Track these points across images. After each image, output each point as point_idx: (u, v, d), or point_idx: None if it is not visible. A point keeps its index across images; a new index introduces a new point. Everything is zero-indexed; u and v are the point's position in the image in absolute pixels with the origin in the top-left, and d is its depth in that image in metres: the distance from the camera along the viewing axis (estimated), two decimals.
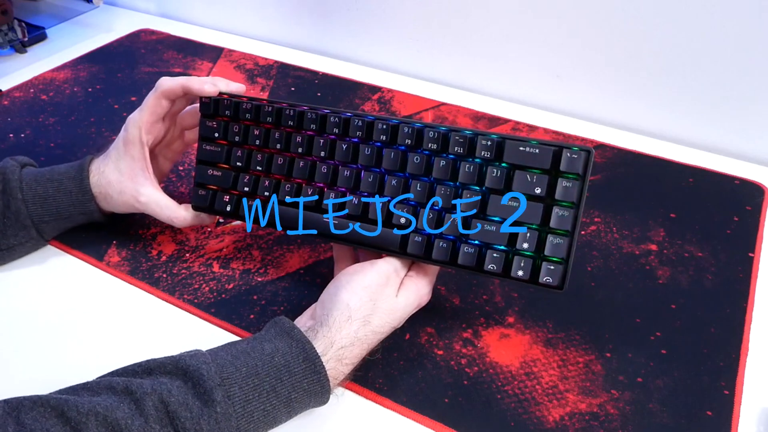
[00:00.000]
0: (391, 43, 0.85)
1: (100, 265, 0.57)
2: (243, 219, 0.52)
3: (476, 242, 0.46)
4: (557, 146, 0.44)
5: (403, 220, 0.47)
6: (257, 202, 0.51)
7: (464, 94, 0.80)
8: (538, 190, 0.44)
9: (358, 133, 0.49)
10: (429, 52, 0.83)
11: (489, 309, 0.52)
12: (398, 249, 0.47)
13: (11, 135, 0.74)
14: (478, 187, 0.46)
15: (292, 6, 0.90)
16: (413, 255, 0.47)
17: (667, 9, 0.66)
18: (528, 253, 0.44)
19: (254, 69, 0.85)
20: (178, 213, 0.54)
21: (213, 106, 0.53)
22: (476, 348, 0.49)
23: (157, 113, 0.54)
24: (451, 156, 0.46)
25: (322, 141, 0.50)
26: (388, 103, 0.78)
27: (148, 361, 0.41)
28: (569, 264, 0.44)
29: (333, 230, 0.49)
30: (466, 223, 0.46)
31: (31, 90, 0.82)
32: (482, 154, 0.46)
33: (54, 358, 0.49)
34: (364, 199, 0.48)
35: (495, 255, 0.45)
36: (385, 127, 0.48)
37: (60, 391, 0.39)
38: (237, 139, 0.53)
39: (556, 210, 0.44)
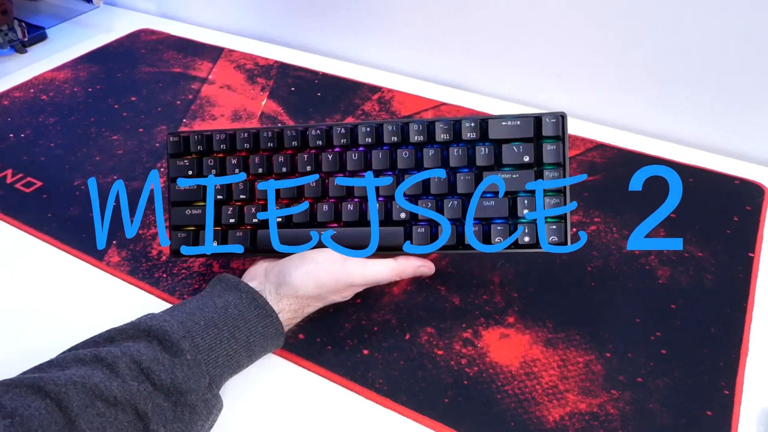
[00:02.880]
0: (391, 43, 0.85)
1: (100, 265, 0.57)
2: (232, 252, 0.50)
3: (478, 222, 0.47)
4: (534, 116, 0.47)
5: (403, 215, 0.48)
6: (245, 232, 0.50)
7: (464, 94, 0.80)
8: (526, 158, 0.47)
9: (342, 140, 0.49)
10: (429, 52, 0.83)
11: (489, 309, 0.52)
12: (403, 243, 0.48)
13: (11, 135, 0.74)
14: (469, 169, 0.48)
15: (292, 6, 0.90)
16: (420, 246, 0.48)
17: (667, 9, 0.66)
18: (530, 219, 0.46)
19: (254, 69, 0.85)
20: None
21: (182, 144, 0.52)
22: (476, 348, 0.49)
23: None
24: (437, 145, 0.48)
25: (306, 156, 0.50)
26: (388, 103, 0.78)
27: (108, 330, 0.42)
28: (567, 222, 0.46)
29: (337, 238, 0.48)
30: (466, 204, 0.47)
31: (31, 90, 0.82)
32: (468, 136, 0.47)
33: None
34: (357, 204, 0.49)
35: (499, 228, 0.47)
36: (369, 129, 0.49)
37: (26, 372, 0.39)
38: (213, 172, 0.51)
39: (546, 172, 0.46)
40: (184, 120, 0.76)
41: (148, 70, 0.86)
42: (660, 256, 0.57)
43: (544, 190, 0.46)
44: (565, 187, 0.46)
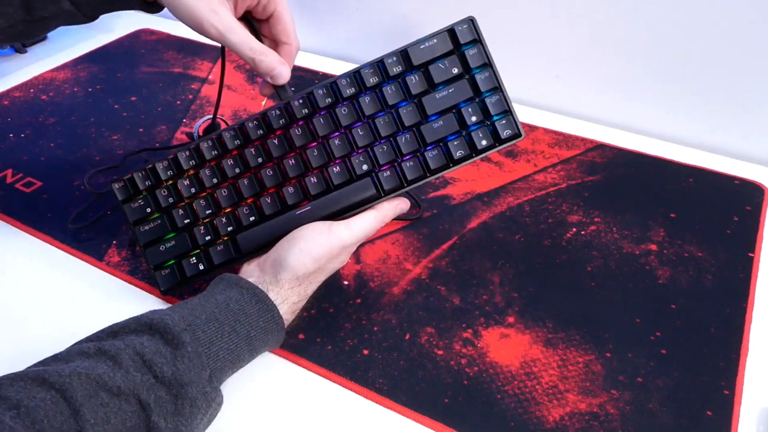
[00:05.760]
0: (391, 43, 0.85)
1: (100, 265, 0.57)
2: (219, 267, 0.50)
3: (434, 145, 0.49)
4: (446, 29, 0.49)
5: (365, 167, 0.49)
6: (226, 244, 0.50)
7: None
8: (455, 70, 0.49)
9: (281, 121, 0.50)
10: None
11: (489, 309, 0.52)
12: (376, 192, 0.49)
13: (11, 135, 0.74)
14: (407, 101, 0.49)
15: (292, 6, 0.90)
16: (392, 189, 0.49)
17: (667, 9, 0.66)
18: (480, 123, 0.49)
19: None
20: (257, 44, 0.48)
21: (130, 186, 0.52)
22: (476, 348, 0.49)
23: None
24: (369, 91, 0.50)
25: (253, 150, 0.50)
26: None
27: (111, 325, 0.42)
28: (513, 111, 0.49)
29: (312, 218, 0.49)
30: (418, 134, 0.49)
31: (31, 90, 0.82)
32: (395, 71, 0.49)
33: None
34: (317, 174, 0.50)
35: (456, 143, 0.49)
36: (302, 101, 0.50)
37: (29, 367, 0.39)
38: (171, 200, 0.51)
39: (477, 76, 0.49)
40: (184, 120, 0.76)
41: (148, 70, 0.86)
42: (660, 256, 0.57)
43: (482, 92, 0.49)
44: (498, 83, 0.49)
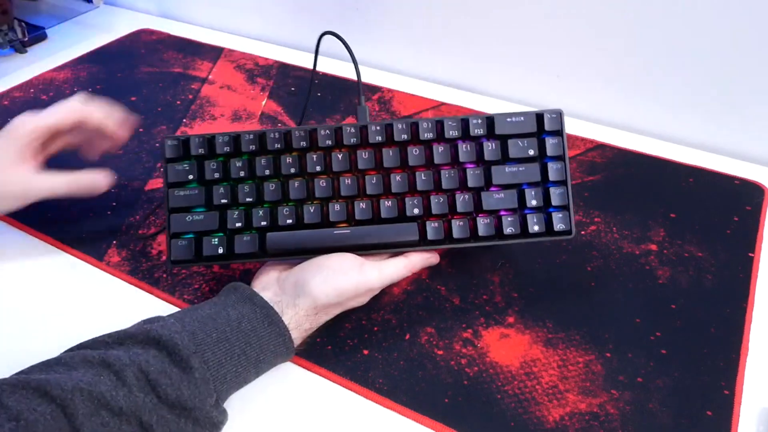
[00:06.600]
0: (391, 43, 0.85)
1: (100, 265, 0.57)
2: (239, 257, 0.49)
3: (489, 214, 0.49)
4: (536, 113, 0.50)
5: (416, 211, 0.49)
6: (253, 236, 0.49)
7: (464, 94, 0.80)
8: (531, 152, 0.50)
9: (352, 140, 0.50)
10: (429, 52, 0.83)
11: (489, 309, 0.52)
12: (418, 239, 0.49)
13: None
14: (476, 164, 0.50)
15: (293, 6, 0.90)
16: (435, 241, 0.49)
17: (667, 9, 0.66)
18: (537, 208, 0.49)
19: (254, 69, 0.85)
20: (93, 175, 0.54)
21: (182, 147, 0.50)
22: (476, 348, 0.49)
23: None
24: (446, 142, 0.50)
25: (315, 157, 0.49)
26: (388, 103, 0.78)
27: (117, 331, 0.42)
28: (571, 210, 0.49)
29: (347, 242, 0.48)
30: (477, 198, 0.49)
31: (31, 90, 0.82)
32: (476, 132, 0.50)
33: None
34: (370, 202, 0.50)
35: (509, 219, 0.49)
36: (379, 128, 0.50)
37: (33, 368, 0.39)
38: (217, 175, 0.50)
39: (549, 164, 0.50)
40: (184, 120, 0.76)
41: (148, 70, 0.86)
42: (660, 256, 0.57)
43: (549, 181, 0.50)
44: (567, 178, 0.50)
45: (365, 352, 0.49)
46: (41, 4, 1.01)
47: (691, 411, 0.45)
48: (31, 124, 0.53)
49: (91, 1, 0.96)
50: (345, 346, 0.49)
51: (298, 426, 0.45)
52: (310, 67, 0.61)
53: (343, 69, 0.85)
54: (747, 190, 0.64)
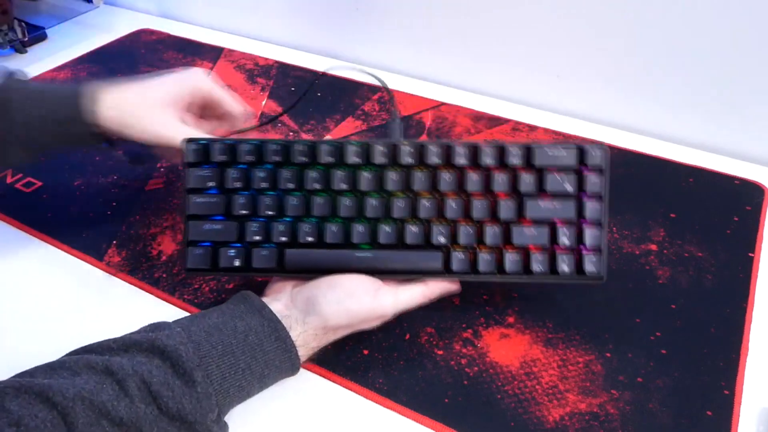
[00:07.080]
0: (392, 43, 0.85)
1: (100, 265, 0.57)
2: (255, 272, 0.47)
3: (517, 250, 0.47)
4: (579, 147, 0.47)
5: (442, 239, 0.46)
6: (272, 251, 0.47)
7: (464, 94, 0.80)
8: (569, 188, 0.47)
9: (382, 159, 0.47)
10: (429, 52, 0.83)
11: (489, 309, 0.52)
12: (442, 268, 0.46)
13: None
14: (510, 196, 0.47)
15: (293, 6, 0.90)
16: (459, 272, 0.46)
17: (667, 9, 0.66)
18: (568, 250, 0.46)
19: (254, 69, 0.85)
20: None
21: (202, 152, 0.48)
22: (476, 348, 0.49)
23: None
24: (480, 170, 0.47)
25: (341, 173, 0.47)
26: (388, 103, 0.78)
27: (123, 337, 0.41)
28: (604, 253, 0.46)
29: (369, 265, 0.46)
30: (507, 230, 0.47)
31: None
32: (512, 161, 0.47)
33: (54, 357, 0.49)
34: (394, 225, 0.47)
35: (538, 257, 0.46)
36: (411, 149, 0.47)
37: (37, 369, 0.39)
38: (238, 184, 0.47)
39: (587, 203, 0.46)
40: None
41: (148, 70, 0.86)
42: (660, 256, 0.57)
43: (585, 220, 0.46)
44: (604, 219, 0.46)
45: (365, 352, 0.49)
46: (41, 4, 1.01)
47: (691, 411, 0.45)
48: (206, 85, 0.55)
49: (91, 1, 0.96)
50: (345, 346, 0.49)
51: (298, 426, 0.45)
52: (311, 67, 0.60)
53: (342, 69, 0.85)
54: (747, 190, 0.64)
